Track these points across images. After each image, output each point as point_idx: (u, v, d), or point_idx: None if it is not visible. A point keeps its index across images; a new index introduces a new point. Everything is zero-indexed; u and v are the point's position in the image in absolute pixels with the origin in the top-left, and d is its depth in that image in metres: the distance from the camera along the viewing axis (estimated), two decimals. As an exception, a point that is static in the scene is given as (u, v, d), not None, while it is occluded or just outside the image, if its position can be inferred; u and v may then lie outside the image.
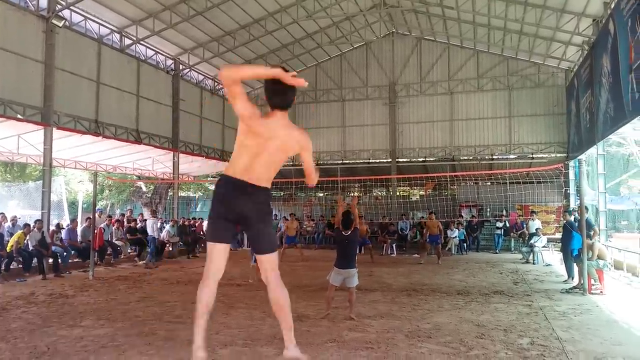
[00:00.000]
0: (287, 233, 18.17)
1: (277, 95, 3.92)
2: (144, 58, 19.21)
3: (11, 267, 13.35)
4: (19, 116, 13.79)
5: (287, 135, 3.86)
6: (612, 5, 13.03)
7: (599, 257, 10.80)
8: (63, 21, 14.85)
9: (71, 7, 15.69)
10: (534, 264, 16.16)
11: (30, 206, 22.77)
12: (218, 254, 4.01)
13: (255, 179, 3.78)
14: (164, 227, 18.20)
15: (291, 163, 25.84)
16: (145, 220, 19.16)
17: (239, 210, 3.77)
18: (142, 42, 18.65)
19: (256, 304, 9.24)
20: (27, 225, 13.73)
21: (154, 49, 19.71)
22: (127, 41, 18.21)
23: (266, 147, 3.79)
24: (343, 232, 8.30)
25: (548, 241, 18.29)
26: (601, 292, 10.37)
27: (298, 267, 14.78)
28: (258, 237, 3.98)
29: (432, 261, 16.81)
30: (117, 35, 17.88)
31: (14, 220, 15.39)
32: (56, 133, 15.06)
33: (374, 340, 6.56)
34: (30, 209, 22.47)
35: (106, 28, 17.38)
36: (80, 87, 16.11)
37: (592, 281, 10.51)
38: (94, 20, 16.81)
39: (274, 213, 27.00)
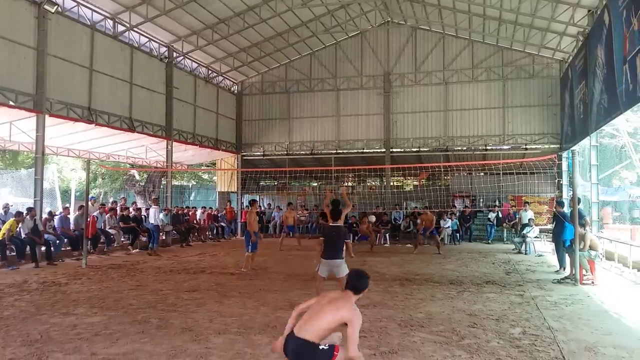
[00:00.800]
0: (287, 222, 19.56)
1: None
2: (137, 45, 19.04)
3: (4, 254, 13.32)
4: (11, 103, 13.66)
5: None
6: (608, -4, 13.03)
7: (591, 248, 10.88)
8: (55, 7, 14.67)
9: (63, -7, 15.52)
10: (526, 254, 16.27)
11: (23, 194, 22.63)
12: None
13: None
14: (158, 215, 18.13)
15: (285, 152, 25.86)
16: (139, 208, 19.13)
17: None
18: (135, 28, 18.47)
19: (249, 293, 9.27)
20: (19, 213, 13.66)
21: (148, 36, 19.54)
22: (121, 28, 18.03)
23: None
24: (331, 223, 8.36)
25: (540, 232, 18.40)
26: (592, 282, 10.46)
27: (291, 256, 14.80)
28: None
29: (425, 251, 16.90)
30: (110, 22, 17.69)
31: (6, 208, 15.31)
32: (48, 120, 14.94)
33: (367, 329, 6.59)
34: (22, 197, 22.33)
35: (99, 14, 17.18)
36: (73, 74, 15.96)
37: (584, 271, 10.59)
38: (86, 6, 16.61)
39: (267, 202, 27.15)
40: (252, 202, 13.14)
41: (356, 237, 19.17)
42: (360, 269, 4.87)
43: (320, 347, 4.12)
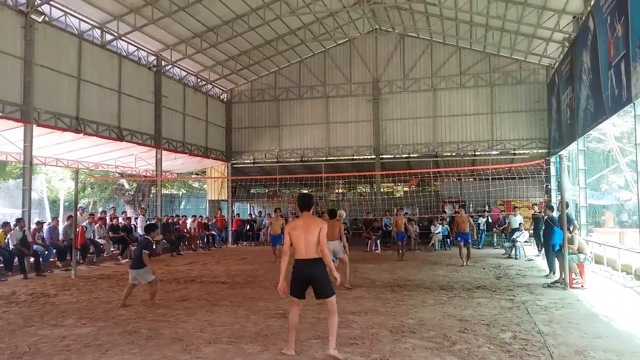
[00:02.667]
0: (272, 231, 16.34)
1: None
2: (125, 54, 18.99)
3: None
4: (-2, 113, 13.57)
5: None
6: (592, 3, 13.17)
7: (579, 251, 10.95)
8: (42, 16, 14.61)
9: (51, 2, 15.39)
10: (516, 258, 16.35)
11: (11, 204, 22.42)
12: None
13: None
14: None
15: (275, 160, 25.85)
16: (129, 218, 19.03)
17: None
18: (123, 37, 18.43)
19: (240, 302, 9.23)
20: (6, 223, 13.55)
21: (136, 44, 19.50)
22: (108, 37, 17.98)
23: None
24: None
25: (530, 236, 18.51)
26: (582, 286, 10.52)
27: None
28: None
29: (415, 257, 16.92)
30: (98, 31, 17.63)
31: (-6, 219, 15.17)
32: (36, 130, 14.83)
33: (358, 336, 6.59)
34: (10, 208, 22.13)
35: (87, 23, 17.13)
36: (61, 83, 15.87)
37: (573, 275, 10.65)
38: (74, 16, 16.55)
39: (258, 210, 27.09)
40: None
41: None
42: (301, 194, 6.38)
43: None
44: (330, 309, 5.70)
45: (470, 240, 15.18)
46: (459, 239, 15.19)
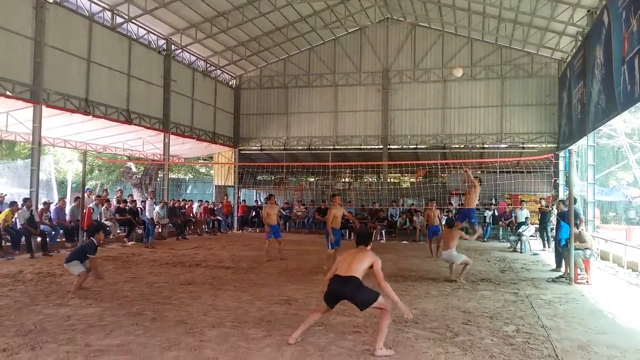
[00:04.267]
0: (269, 221, 13.92)
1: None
2: (135, 37, 18.96)
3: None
4: (8, 93, 13.59)
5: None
6: (608, -3, 13.02)
7: (584, 246, 10.90)
8: (54, -3, 14.62)
9: (62, -17, 15.43)
10: (521, 252, 16.32)
11: (19, 184, 22.55)
12: None
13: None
14: (154, 208, 18.13)
15: (283, 147, 25.85)
16: (134, 201, 19.12)
17: None
18: (133, 20, 18.39)
19: (244, 287, 9.27)
20: (13, 203, 13.64)
21: (146, 28, 19.46)
22: (119, 19, 17.94)
23: None
24: None
25: (536, 230, 18.47)
26: (587, 281, 10.50)
27: (286, 251, 14.77)
28: None
29: (420, 248, 16.90)
30: (109, 13, 17.60)
31: (1, 198, 15.27)
32: (45, 111, 14.87)
33: (361, 325, 6.61)
34: (19, 187, 22.25)
35: (97, 5, 17.09)
36: (71, 65, 15.89)
37: (579, 271, 10.62)
38: (85, -3, 16.57)
39: (264, 197, 27.09)
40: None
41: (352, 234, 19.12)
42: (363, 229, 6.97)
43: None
44: (381, 316, 5.72)
45: (439, 233, 14.90)
46: (428, 231, 15.68)
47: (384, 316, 5.59)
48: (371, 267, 5.81)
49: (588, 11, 15.91)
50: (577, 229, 11.03)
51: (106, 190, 21.47)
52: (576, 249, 10.62)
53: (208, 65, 23.99)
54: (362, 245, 6.07)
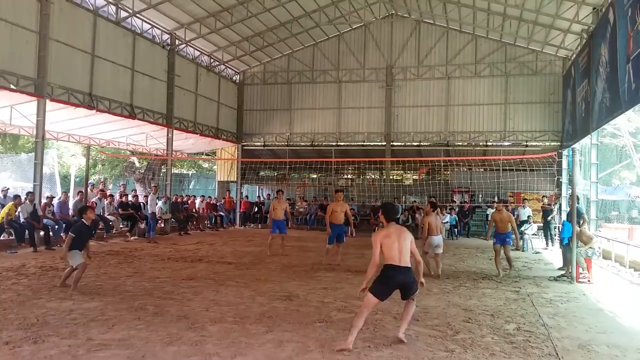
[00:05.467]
0: (274, 216, 13.73)
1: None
2: (139, 32, 18.97)
3: (1, 238, 13.35)
4: (12, 86, 13.61)
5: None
6: (613, -6, 12.96)
7: (585, 243, 10.88)
8: (58, -9, 14.62)
9: (67, -23, 15.43)
10: (523, 251, 16.29)
11: (23, 178, 22.64)
12: None
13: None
14: (156, 203, 18.16)
15: (285, 143, 25.85)
16: (136, 195, 19.14)
17: None
18: (138, 15, 18.39)
19: (246, 283, 9.29)
20: (17, 196, 13.68)
21: (150, 22, 19.46)
22: (123, 14, 17.95)
23: None
24: None
25: (538, 229, 18.45)
26: (589, 280, 10.49)
27: (288, 247, 14.79)
28: None
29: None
30: (113, 8, 17.60)
31: (5, 191, 15.32)
32: (49, 105, 14.88)
33: (363, 322, 6.61)
34: (22, 181, 22.34)
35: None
36: (75, 59, 15.90)
37: (580, 270, 10.61)
38: (89, -8, 16.57)
39: (267, 193, 27.15)
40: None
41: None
42: (388, 204, 6.83)
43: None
44: (411, 303, 5.95)
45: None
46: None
47: (412, 304, 5.93)
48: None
49: (594, 9, 15.84)
50: (580, 227, 11.01)
51: (103, 182, 21.42)
52: (579, 247, 10.61)
53: (212, 60, 23.99)
54: (393, 222, 6.07)
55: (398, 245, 5.72)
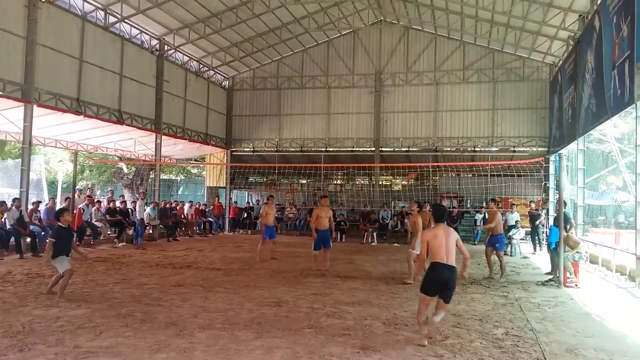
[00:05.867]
0: (266, 222, 14.05)
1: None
2: (128, 37, 18.89)
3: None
4: (-2, 92, 13.52)
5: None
6: (599, 2, 13.12)
7: (572, 248, 10.97)
8: (46, -4, 14.54)
9: (54, -18, 15.35)
10: (511, 255, 16.38)
11: (9, 184, 22.44)
12: None
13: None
14: (145, 209, 18.06)
15: (274, 149, 25.84)
16: (125, 201, 19.05)
17: None
18: (126, 20, 18.32)
19: (235, 289, 9.26)
20: (2, 203, 13.53)
21: (139, 28, 19.39)
22: (112, 19, 17.87)
23: None
24: None
25: (526, 234, 18.57)
26: (576, 285, 10.56)
27: (278, 253, 14.77)
28: None
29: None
30: (102, 13, 17.52)
31: (-9, 197, 15.16)
32: (37, 110, 14.77)
33: (352, 327, 6.62)
34: (9, 187, 22.14)
35: (90, 5, 17.01)
36: (63, 64, 15.80)
37: (568, 274, 10.68)
38: (77, -3, 16.49)
39: (256, 198, 27.11)
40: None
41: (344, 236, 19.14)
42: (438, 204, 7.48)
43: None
44: (445, 305, 6.33)
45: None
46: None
47: (446, 306, 6.33)
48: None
49: (580, 16, 16.03)
50: (566, 232, 11.10)
51: (90, 188, 21.28)
52: (566, 252, 10.69)
53: (201, 65, 23.95)
54: (441, 222, 6.54)
55: (445, 245, 6.20)
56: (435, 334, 6.41)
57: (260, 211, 15.68)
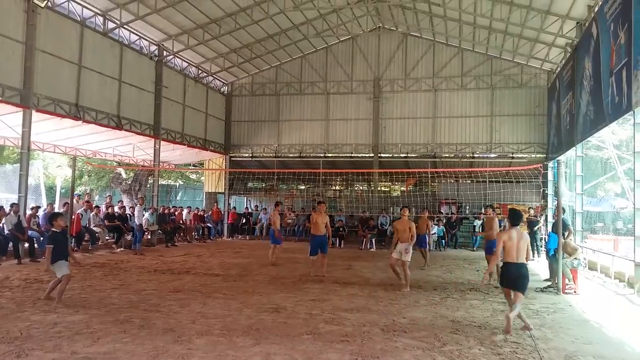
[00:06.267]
0: (275, 227, 14.74)
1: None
2: (127, 43, 18.92)
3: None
4: (-3, 97, 13.52)
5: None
6: (596, 9, 13.19)
7: (570, 254, 10.96)
8: (45, 2, 14.53)
9: (54, -12, 15.38)
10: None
11: (7, 189, 22.42)
12: None
13: None
14: (143, 215, 18.03)
15: (273, 154, 25.85)
16: (123, 207, 19.02)
17: None
18: (125, 26, 18.35)
19: (233, 295, 9.24)
20: (0, 208, 13.52)
21: (138, 33, 19.42)
22: (111, 25, 17.90)
23: None
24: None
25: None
26: (575, 291, 10.55)
27: (276, 259, 14.75)
28: None
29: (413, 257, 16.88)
30: (101, 18, 17.56)
31: (-11, 203, 15.14)
32: (35, 116, 14.77)
33: (350, 334, 6.61)
34: (7, 193, 22.12)
35: (89, 10, 17.03)
36: (61, 69, 15.81)
37: (567, 281, 10.68)
38: (77, 2, 16.46)
39: (254, 204, 27.10)
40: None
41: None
42: (515, 209, 8.07)
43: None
44: (519, 295, 7.26)
45: (425, 244, 14.82)
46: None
47: (520, 296, 7.24)
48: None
49: (577, 23, 16.11)
50: (565, 239, 11.10)
51: (89, 193, 21.22)
52: (565, 258, 10.69)
53: (200, 71, 23.99)
54: (515, 226, 7.41)
55: (517, 247, 7.17)
56: (434, 340, 6.41)
57: (271, 217, 15.81)
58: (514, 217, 7.48)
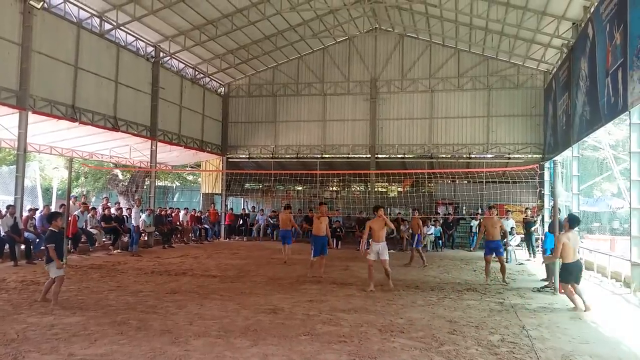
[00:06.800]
0: (285, 227, 15.36)
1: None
2: (123, 44, 18.90)
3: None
4: (-7, 99, 13.49)
5: None
6: (592, 10, 13.23)
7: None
8: (41, 3, 14.55)
9: (50, -11, 15.36)
10: (507, 262, 16.38)
11: (4, 191, 22.30)
12: None
13: None
14: (140, 216, 17.99)
15: (270, 155, 25.84)
16: (120, 208, 18.98)
17: None
18: (122, 27, 18.34)
19: (230, 296, 9.23)
20: (-4, 209, 13.49)
21: (135, 35, 19.41)
22: (107, 26, 17.89)
23: None
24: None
25: (521, 240, 18.59)
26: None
27: (274, 260, 14.77)
28: None
29: (406, 257, 16.93)
30: (97, 20, 17.54)
31: (-15, 204, 15.10)
32: (31, 117, 14.75)
33: (347, 334, 6.61)
34: (3, 194, 22.01)
35: (86, 12, 17.03)
36: (58, 71, 15.79)
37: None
38: (73, 4, 16.45)
39: (252, 205, 27.08)
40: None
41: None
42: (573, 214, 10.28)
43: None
44: (576, 288, 8.74)
45: (419, 244, 15.22)
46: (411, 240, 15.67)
47: (577, 287, 8.74)
48: None
49: (573, 24, 16.16)
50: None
51: (85, 195, 21.14)
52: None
53: (196, 72, 23.98)
54: (572, 229, 8.83)
55: (573, 248, 8.55)
56: (431, 341, 6.41)
57: (280, 216, 16.35)
58: (573, 221, 8.89)
